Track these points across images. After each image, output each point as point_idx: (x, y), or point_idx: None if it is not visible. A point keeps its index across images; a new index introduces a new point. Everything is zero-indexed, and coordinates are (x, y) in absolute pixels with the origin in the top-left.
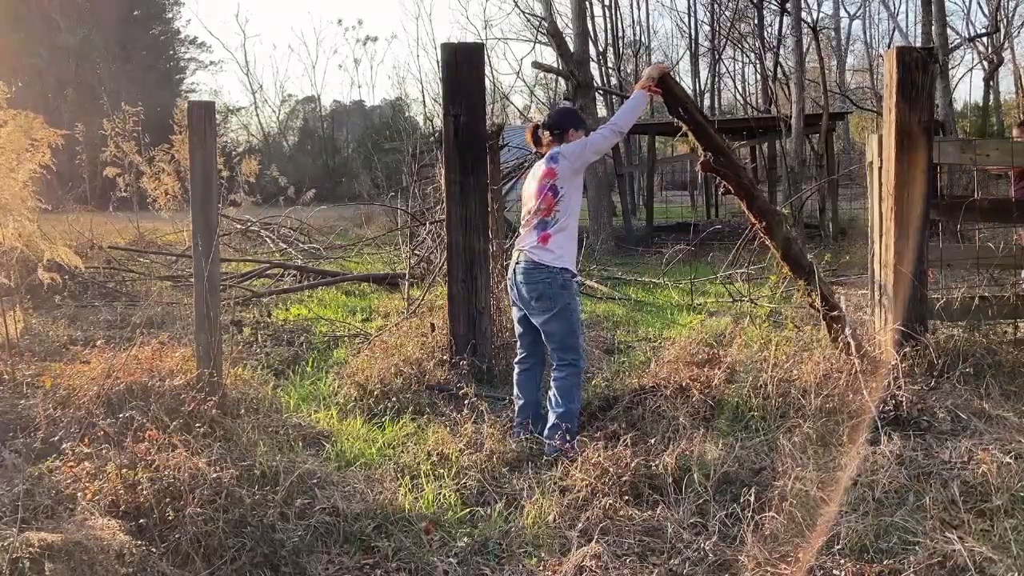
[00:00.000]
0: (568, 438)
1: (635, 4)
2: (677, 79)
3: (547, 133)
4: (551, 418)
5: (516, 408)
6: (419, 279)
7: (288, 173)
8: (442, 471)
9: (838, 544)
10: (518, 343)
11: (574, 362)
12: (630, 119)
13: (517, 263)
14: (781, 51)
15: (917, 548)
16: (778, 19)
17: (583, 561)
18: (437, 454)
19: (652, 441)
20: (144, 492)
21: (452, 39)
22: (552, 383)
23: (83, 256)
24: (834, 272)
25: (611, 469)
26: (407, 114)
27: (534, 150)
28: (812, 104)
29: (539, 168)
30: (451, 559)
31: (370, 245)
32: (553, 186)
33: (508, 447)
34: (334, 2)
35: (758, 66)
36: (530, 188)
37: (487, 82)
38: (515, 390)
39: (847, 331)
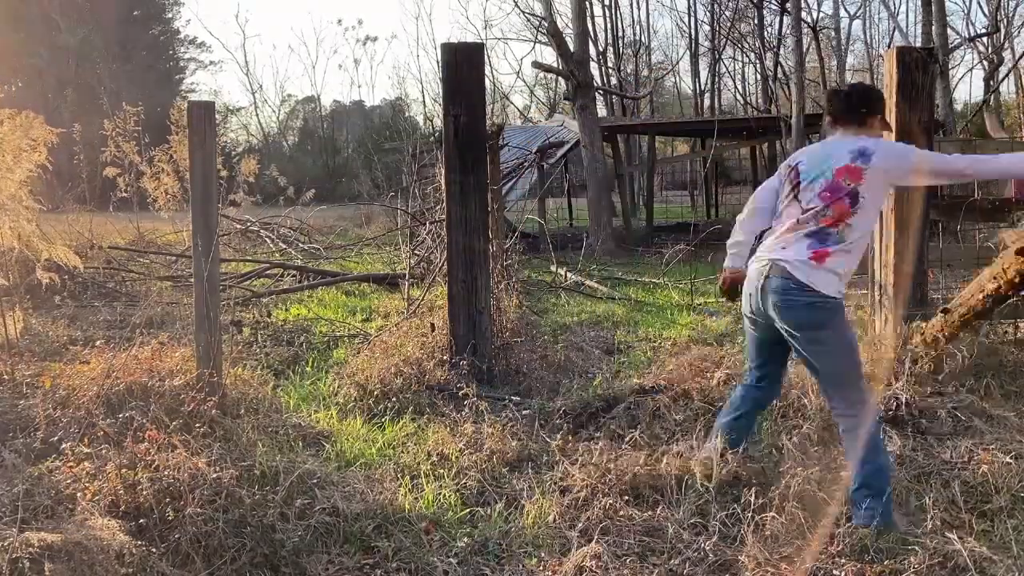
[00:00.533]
0: (877, 508)
1: (635, 4)
2: (677, 79)
3: (843, 104)
4: (855, 480)
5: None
6: (419, 279)
7: (288, 173)
8: (442, 471)
9: (839, 544)
10: (749, 363)
11: (848, 412)
12: (1006, 170)
13: (765, 276)
14: (781, 51)
15: (917, 548)
16: (778, 19)
17: (583, 561)
18: (437, 454)
19: (653, 441)
20: (144, 492)
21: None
22: (842, 438)
23: (83, 256)
24: None
25: (612, 469)
26: (407, 114)
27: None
28: (812, 104)
29: (832, 157)
30: (451, 559)
31: (370, 245)
32: (854, 191)
33: (508, 447)
34: (334, 2)
35: (758, 66)
36: (810, 177)
37: (487, 82)
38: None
39: None
